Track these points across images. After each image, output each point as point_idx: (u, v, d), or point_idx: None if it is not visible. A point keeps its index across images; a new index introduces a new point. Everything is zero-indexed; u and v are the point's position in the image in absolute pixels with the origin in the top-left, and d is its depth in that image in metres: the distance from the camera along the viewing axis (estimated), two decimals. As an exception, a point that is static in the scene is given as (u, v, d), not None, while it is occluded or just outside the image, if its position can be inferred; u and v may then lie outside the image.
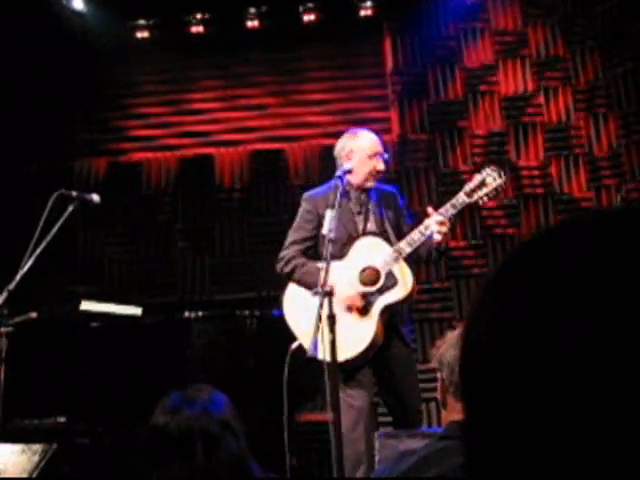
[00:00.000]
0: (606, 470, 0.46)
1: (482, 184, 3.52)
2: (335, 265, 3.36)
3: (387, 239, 3.62)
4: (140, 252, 6.42)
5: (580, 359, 0.47)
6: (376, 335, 3.46)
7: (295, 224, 3.78)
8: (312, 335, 2.93)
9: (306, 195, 3.80)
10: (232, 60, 6.64)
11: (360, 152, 3.68)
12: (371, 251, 3.56)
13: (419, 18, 6.47)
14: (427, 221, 3.49)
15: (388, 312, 3.53)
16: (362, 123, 6.45)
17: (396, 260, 3.48)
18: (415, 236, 3.49)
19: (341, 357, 3.20)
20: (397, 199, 3.85)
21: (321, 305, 3.02)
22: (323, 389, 3.11)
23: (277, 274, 6.08)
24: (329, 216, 3.32)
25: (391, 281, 3.50)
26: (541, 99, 6.30)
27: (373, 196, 3.72)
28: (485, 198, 3.54)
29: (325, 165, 6.15)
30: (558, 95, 6.28)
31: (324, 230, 3.31)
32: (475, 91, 6.38)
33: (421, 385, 3.90)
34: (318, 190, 3.79)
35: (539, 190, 6.13)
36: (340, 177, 3.46)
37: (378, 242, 3.59)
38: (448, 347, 1.68)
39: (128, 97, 6.74)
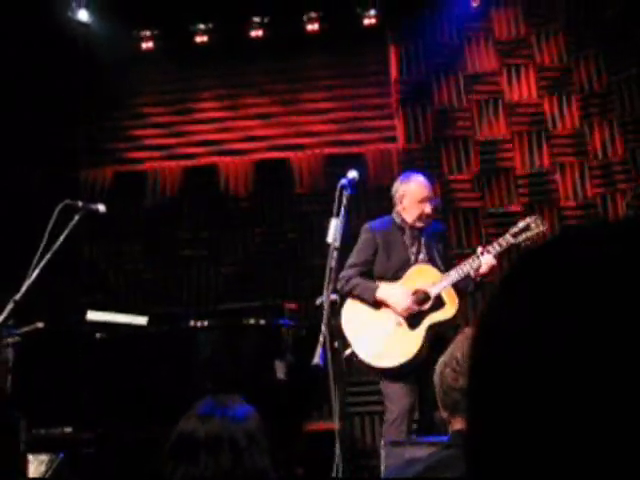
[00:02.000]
0: (608, 475, 0.46)
1: (526, 228, 3.96)
2: (390, 285, 3.95)
3: (436, 268, 4.02)
4: (145, 261, 6.44)
5: (572, 358, 0.48)
6: (421, 349, 3.82)
7: (356, 249, 4.09)
8: (320, 346, 2.95)
9: (367, 226, 4.15)
10: (236, 70, 6.67)
11: (410, 197, 4.08)
12: (422, 276, 3.97)
13: (422, 26, 6.48)
14: (478, 258, 3.89)
15: (434, 330, 3.89)
16: (367, 132, 6.48)
17: (445, 286, 3.89)
18: (464, 267, 3.91)
19: (388, 364, 3.82)
20: (445, 235, 4.38)
21: (326, 320, 3.06)
22: (329, 398, 3.12)
23: (281, 283, 6.11)
24: (333, 224, 3.36)
25: (439, 303, 3.90)
26: (545, 105, 6.30)
27: (425, 232, 4.12)
28: (528, 241, 3.94)
29: (329, 173, 6.17)
30: (562, 101, 6.29)
31: (329, 238, 3.33)
32: (480, 99, 6.39)
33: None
34: (376, 222, 4.18)
35: (544, 198, 6.13)
36: (344, 186, 3.47)
37: (429, 269, 4.00)
38: (439, 366, 1.68)
39: (133, 107, 6.77)
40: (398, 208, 4.13)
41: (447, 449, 1.63)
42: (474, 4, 6.45)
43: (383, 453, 2.66)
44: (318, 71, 6.62)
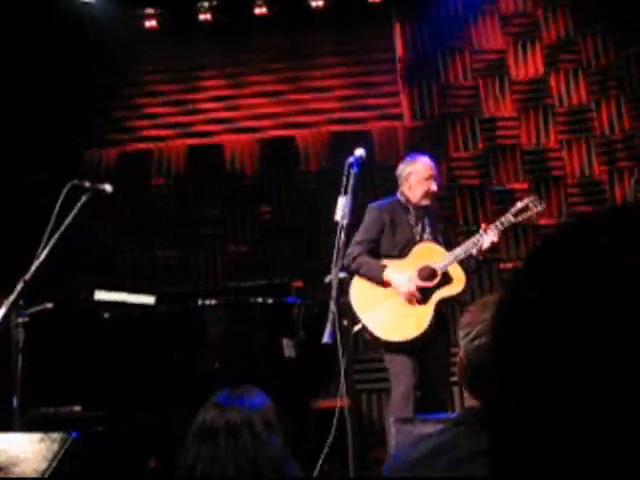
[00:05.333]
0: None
1: (525, 209, 4.17)
2: (397, 263, 4.06)
3: (440, 246, 4.16)
4: (151, 241, 6.45)
5: (584, 354, 0.50)
6: (430, 324, 3.93)
7: (362, 227, 4.18)
8: (329, 323, 2.97)
9: (372, 205, 4.26)
10: (240, 47, 6.63)
11: (416, 174, 4.20)
12: (429, 253, 4.09)
13: (428, 3, 6.43)
14: (482, 236, 4.04)
15: (442, 305, 4.03)
16: (372, 109, 6.45)
17: (451, 262, 4.01)
18: (469, 244, 4.04)
19: (399, 337, 3.91)
20: (441, 215, 4.54)
21: (334, 298, 3.08)
22: (336, 376, 3.14)
23: (288, 262, 6.12)
24: (341, 202, 3.37)
25: (446, 279, 4.02)
26: (552, 83, 6.26)
27: (428, 212, 4.26)
28: (526, 220, 4.31)
29: (335, 151, 6.15)
30: (569, 78, 6.25)
31: (337, 216, 3.34)
32: (485, 76, 6.35)
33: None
34: (383, 202, 4.29)
35: (552, 174, 6.11)
36: (351, 164, 3.48)
37: (434, 247, 4.13)
38: (469, 333, 1.66)
39: (137, 86, 6.75)
40: (403, 188, 4.24)
41: (457, 426, 1.64)
42: (480, -21, 6.40)
43: (392, 430, 2.69)
44: (323, 48, 6.59)
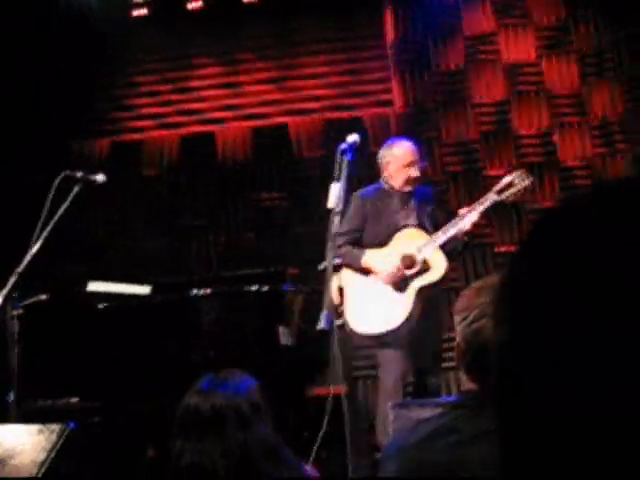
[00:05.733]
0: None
1: (510, 185, 3.97)
2: (378, 251, 4.02)
3: (425, 231, 4.06)
4: (145, 231, 6.43)
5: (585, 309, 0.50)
6: (411, 314, 3.90)
7: (346, 217, 4.05)
8: (325, 309, 2.98)
9: (356, 194, 4.17)
10: (231, 35, 6.59)
11: (395, 162, 4.12)
12: (410, 240, 4.02)
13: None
14: (463, 219, 3.94)
15: (425, 291, 3.97)
16: (364, 95, 6.43)
17: (432, 249, 3.94)
18: (450, 227, 3.95)
19: (378, 330, 3.90)
20: (435, 198, 4.40)
21: (330, 281, 3.09)
22: (333, 362, 3.14)
23: (282, 249, 6.12)
24: (334, 189, 3.36)
25: (426, 265, 3.96)
26: (544, 66, 6.25)
27: (415, 196, 4.15)
28: (512, 197, 4.01)
29: (328, 138, 6.13)
30: (561, 62, 6.23)
31: (330, 203, 3.34)
32: (477, 60, 6.33)
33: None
34: (366, 190, 4.23)
35: (542, 159, 6.11)
36: (345, 150, 3.47)
37: (416, 232, 4.05)
38: (466, 318, 1.66)
39: (128, 76, 6.70)
40: (385, 174, 4.19)
41: (456, 409, 1.64)
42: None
43: (390, 416, 2.71)
44: (315, 34, 6.55)
